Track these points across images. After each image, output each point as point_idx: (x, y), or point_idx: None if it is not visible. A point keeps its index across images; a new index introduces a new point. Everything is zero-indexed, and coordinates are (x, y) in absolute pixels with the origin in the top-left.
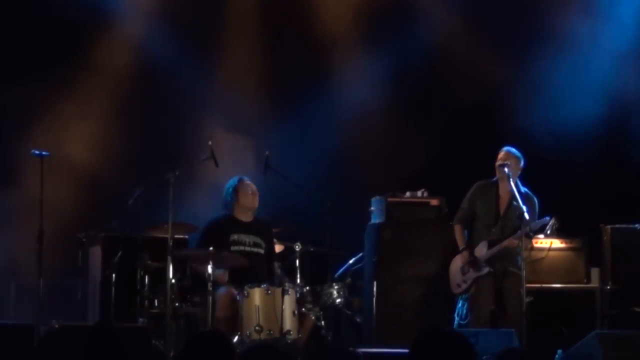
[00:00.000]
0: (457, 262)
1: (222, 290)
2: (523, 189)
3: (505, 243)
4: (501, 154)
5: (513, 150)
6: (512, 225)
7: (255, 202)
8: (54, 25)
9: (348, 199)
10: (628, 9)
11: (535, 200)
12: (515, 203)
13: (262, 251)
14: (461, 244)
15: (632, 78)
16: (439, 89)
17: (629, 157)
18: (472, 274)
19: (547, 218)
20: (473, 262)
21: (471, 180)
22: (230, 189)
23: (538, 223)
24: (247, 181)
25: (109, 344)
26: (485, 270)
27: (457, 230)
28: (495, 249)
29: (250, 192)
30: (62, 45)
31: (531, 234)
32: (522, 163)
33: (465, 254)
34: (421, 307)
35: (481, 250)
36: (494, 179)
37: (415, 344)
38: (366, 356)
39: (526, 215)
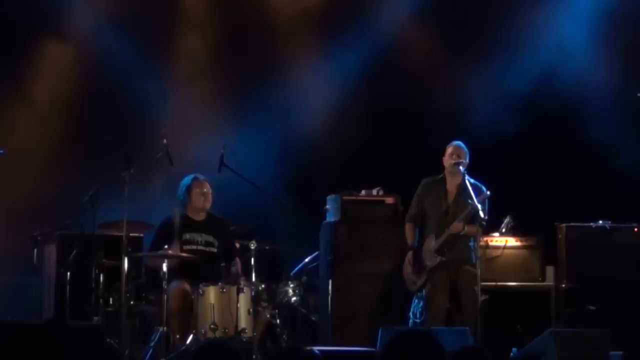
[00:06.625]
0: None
1: (174, 284)
2: (472, 180)
3: (451, 228)
4: (456, 150)
5: (462, 144)
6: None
7: (207, 203)
8: (2, 22)
9: (303, 197)
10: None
11: (484, 188)
12: (470, 201)
13: (214, 250)
14: (410, 242)
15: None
16: (396, 85)
17: (583, 154)
18: (425, 268)
19: (488, 193)
20: (418, 261)
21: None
22: (184, 188)
23: (478, 201)
24: (202, 180)
25: (62, 342)
26: (437, 259)
27: (408, 228)
28: (442, 237)
29: (203, 191)
30: (12, 43)
31: (484, 223)
32: (468, 156)
33: (409, 254)
34: (377, 306)
35: (430, 243)
36: (441, 175)
37: (386, 347)
38: (322, 355)
39: (481, 214)
